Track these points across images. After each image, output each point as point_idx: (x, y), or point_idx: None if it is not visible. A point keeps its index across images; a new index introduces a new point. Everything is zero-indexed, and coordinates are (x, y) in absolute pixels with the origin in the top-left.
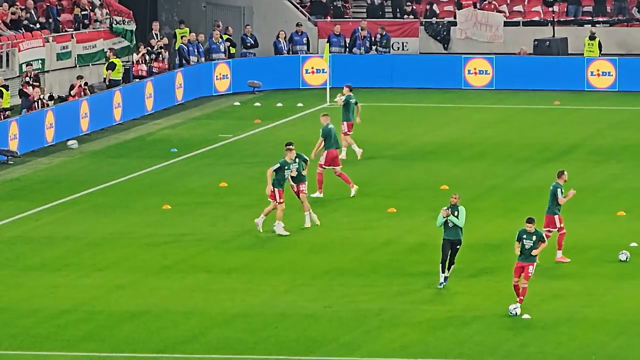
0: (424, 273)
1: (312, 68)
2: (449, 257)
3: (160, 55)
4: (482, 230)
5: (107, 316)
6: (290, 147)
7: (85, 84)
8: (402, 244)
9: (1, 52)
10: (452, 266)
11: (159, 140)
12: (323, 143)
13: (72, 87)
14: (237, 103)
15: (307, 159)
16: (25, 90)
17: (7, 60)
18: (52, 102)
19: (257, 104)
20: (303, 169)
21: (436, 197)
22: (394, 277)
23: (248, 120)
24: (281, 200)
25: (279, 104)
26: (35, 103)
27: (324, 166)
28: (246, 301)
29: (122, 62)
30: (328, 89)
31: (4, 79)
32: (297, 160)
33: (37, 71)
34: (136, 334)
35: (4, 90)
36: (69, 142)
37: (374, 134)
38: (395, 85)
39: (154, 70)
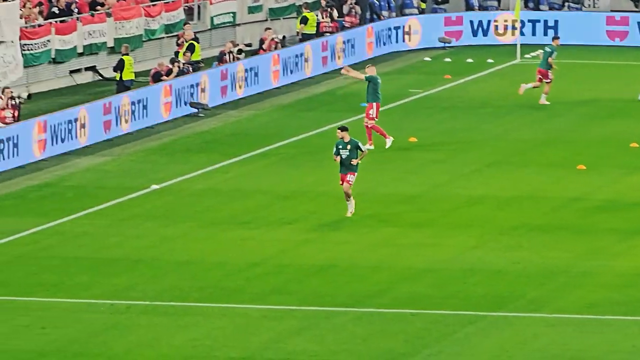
0: (613, 230)
1: (504, 24)
2: None
3: (353, 10)
4: None
5: (296, 269)
6: None
7: (284, 37)
8: (591, 200)
9: (193, 4)
10: None
11: (349, 94)
12: (360, 78)
13: (262, 41)
14: (427, 58)
15: (364, 149)
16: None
17: (199, 13)
18: (242, 55)
19: (447, 59)
20: (356, 157)
21: (626, 155)
22: (582, 233)
23: (438, 75)
24: None
25: (469, 60)
26: (226, 56)
27: (375, 118)
28: (433, 256)
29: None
30: (518, 45)
31: (195, 33)
32: (348, 146)
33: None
34: (324, 288)
35: (195, 43)
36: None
37: (566, 91)
38: (585, 42)
39: (345, 24)
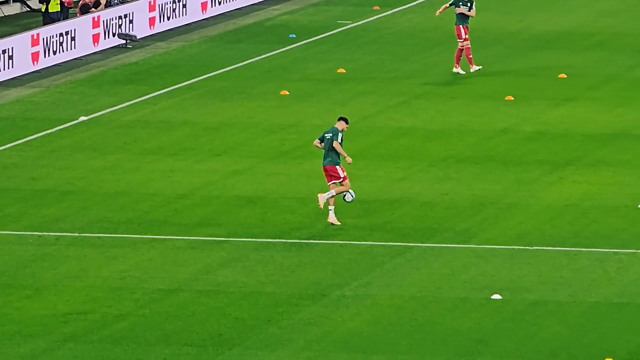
0: (541, 161)
1: None
2: None
3: None
4: (600, 119)
5: (224, 201)
6: None
7: None
8: (519, 132)
9: None
10: None
11: (277, 25)
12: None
13: None
14: None
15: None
16: None
17: None
18: None
19: None
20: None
21: (554, 86)
22: (510, 165)
23: (367, 7)
24: None
25: None
26: None
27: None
28: (362, 187)
29: None
30: None
31: None
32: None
33: None
34: (252, 219)
35: None
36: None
37: (494, 22)
38: None
39: None
